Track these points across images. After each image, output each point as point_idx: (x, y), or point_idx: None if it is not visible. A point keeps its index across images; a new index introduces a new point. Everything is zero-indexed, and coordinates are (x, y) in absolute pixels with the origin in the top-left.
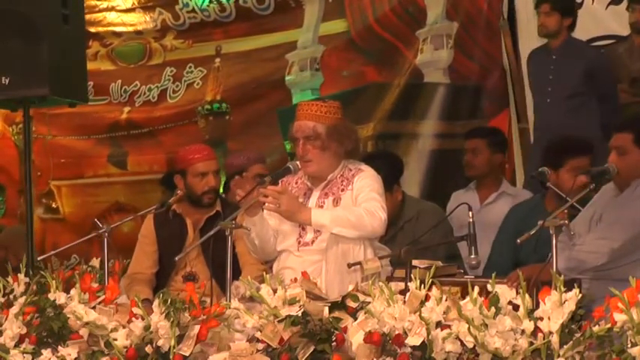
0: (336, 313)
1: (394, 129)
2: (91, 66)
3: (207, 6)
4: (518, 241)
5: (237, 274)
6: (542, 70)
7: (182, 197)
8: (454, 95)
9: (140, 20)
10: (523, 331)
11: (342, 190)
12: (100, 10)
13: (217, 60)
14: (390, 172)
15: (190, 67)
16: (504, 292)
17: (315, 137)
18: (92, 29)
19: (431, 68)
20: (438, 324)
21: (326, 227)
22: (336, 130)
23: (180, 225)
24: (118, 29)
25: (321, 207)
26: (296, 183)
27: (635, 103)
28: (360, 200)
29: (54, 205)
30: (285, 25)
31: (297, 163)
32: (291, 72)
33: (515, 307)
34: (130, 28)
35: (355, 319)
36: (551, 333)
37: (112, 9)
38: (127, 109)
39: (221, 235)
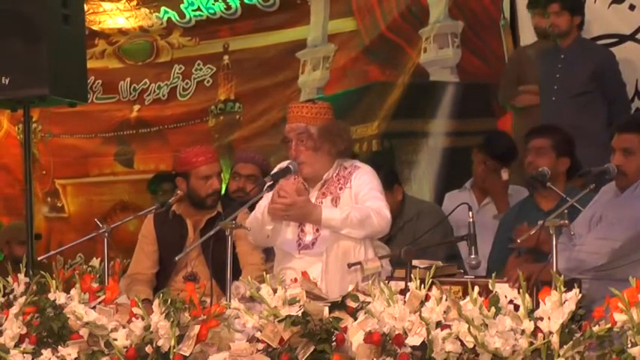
0: (336, 313)
1: (400, 127)
2: (98, 64)
3: (213, 4)
4: (519, 240)
5: (237, 274)
6: (550, 69)
7: (182, 197)
8: (464, 94)
9: (145, 18)
10: (523, 331)
11: (341, 188)
12: (105, 10)
13: (226, 57)
14: (390, 171)
15: (199, 65)
16: (505, 290)
17: (308, 137)
18: (97, 28)
19: (436, 67)
20: (438, 324)
21: (336, 228)
22: (327, 131)
23: (180, 225)
24: (124, 27)
25: None
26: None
27: None
28: (362, 199)
29: (59, 204)
30: (291, 22)
31: None
32: (305, 71)
33: (516, 307)
34: (136, 25)
35: (355, 319)
36: (551, 333)
37: (116, 8)
38: (136, 107)
39: (221, 235)
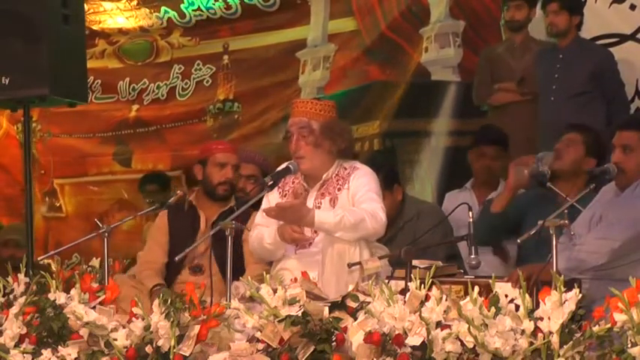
0: (336, 313)
1: (402, 127)
2: (98, 64)
3: (213, 4)
4: (519, 240)
5: (241, 272)
6: (548, 69)
7: (181, 197)
8: (465, 93)
9: (145, 18)
10: (523, 331)
11: (339, 189)
12: (105, 10)
13: (225, 57)
14: (390, 171)
15: (199, 65)
16: (505, 289)
17: (309, 132)
18: (97, 27)
19: (437, 67)
20: (438, 324)
21: (329, 231)
22: (329, 128)
23: (193, 217)
24: (124, 27)
25: (319, 208)
26: (292, 183)
27: (523, 102)
28: (358, 200)
29: (57, 204)
30: (292, 22)
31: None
32: (305, 71)
33: (516, 307)
34: (136, 25)
35: (355, 319)
36: (551, 333)
37: (116, 8)
38: (135, 107)
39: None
